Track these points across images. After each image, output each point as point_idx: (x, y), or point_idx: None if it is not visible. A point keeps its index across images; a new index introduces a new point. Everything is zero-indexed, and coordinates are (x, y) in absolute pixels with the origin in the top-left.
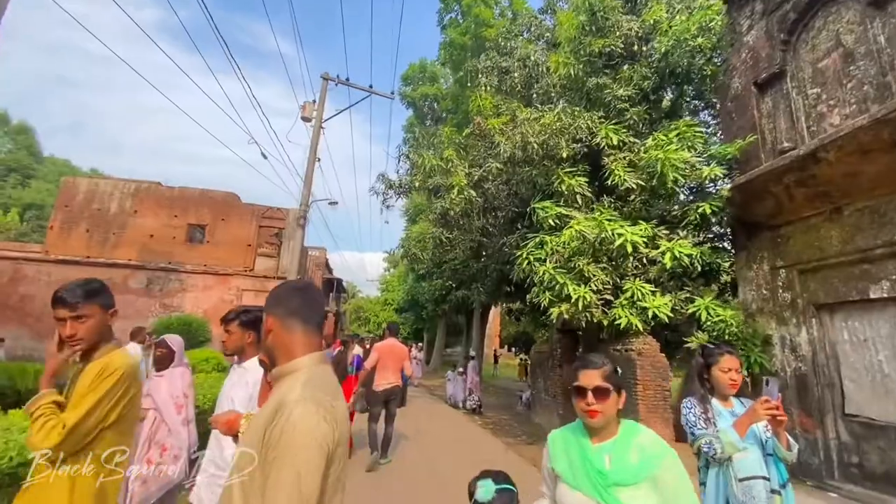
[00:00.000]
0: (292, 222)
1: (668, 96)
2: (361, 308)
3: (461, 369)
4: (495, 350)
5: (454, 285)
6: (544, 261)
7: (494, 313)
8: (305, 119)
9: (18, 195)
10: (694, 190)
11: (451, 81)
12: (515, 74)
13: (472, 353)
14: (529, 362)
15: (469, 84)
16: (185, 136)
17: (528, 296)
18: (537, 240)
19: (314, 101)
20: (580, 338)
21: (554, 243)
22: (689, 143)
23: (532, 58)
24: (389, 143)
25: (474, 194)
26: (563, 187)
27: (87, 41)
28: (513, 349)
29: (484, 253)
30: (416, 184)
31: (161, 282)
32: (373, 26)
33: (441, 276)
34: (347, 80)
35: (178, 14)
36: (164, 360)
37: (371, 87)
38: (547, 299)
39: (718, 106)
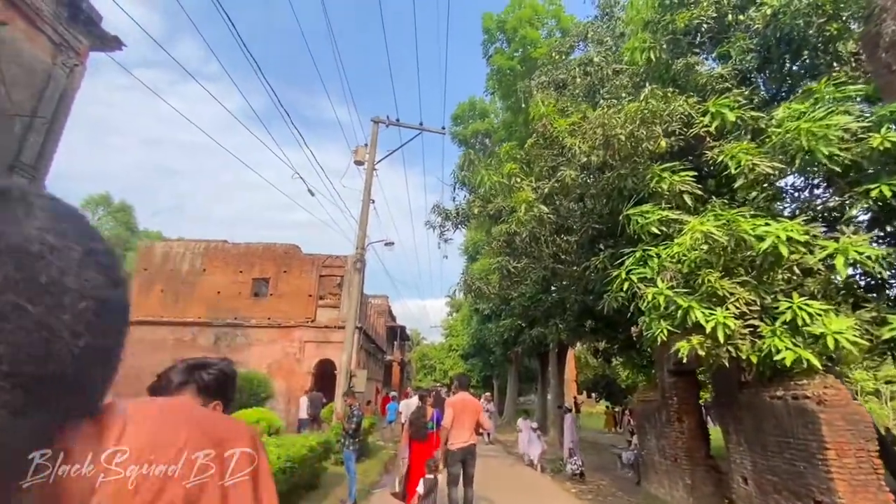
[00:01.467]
0: (350, 267)
1: (760, 82)
2: (426, 355)
3: (534, 424)
4: (575, 397)
5: (524, 325)
6: (652, 280)
7: (570, 355)
8: (358, 163)
9: None
10: (838, 172)
11: (502, 113)
12: (577, 80)
13: (568, 405)
14: (621, 411)
15: (523, 105)
16: (255, 204)
17: (632, 328)
18: (638, 255)
19: (366, 145)
20: (704, 381)
21: (665, 256)
22: (841, 108)
23: (595, 59)
24: (443, 179)
25: (545, 210)
26: (664, 186)
27: (178, 132)
28: (592, 395)
29: (553, 286)
30: (475, 210)
31: (228, 338)
32: (419, 73)
33: (510, 314)
34: (398, 120)
35: (236, 101)
36: None
37: (421, 124)
38: (664, 331)
39: (864, 62)
